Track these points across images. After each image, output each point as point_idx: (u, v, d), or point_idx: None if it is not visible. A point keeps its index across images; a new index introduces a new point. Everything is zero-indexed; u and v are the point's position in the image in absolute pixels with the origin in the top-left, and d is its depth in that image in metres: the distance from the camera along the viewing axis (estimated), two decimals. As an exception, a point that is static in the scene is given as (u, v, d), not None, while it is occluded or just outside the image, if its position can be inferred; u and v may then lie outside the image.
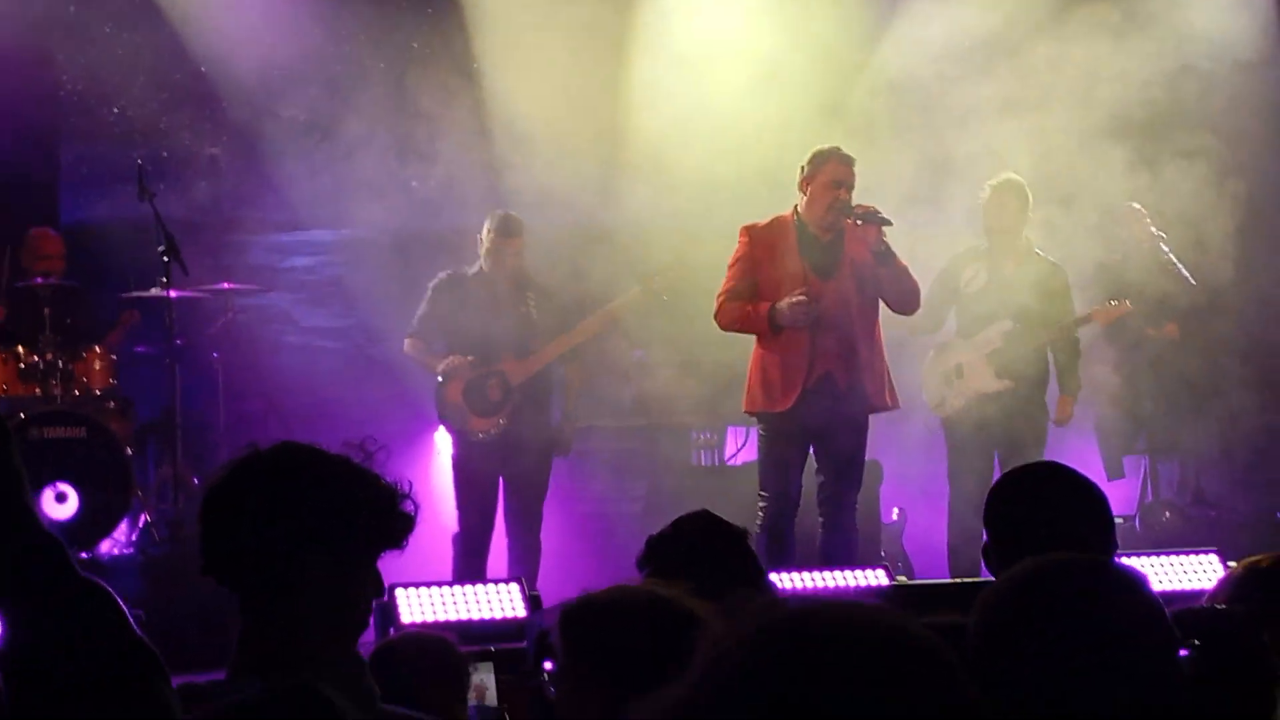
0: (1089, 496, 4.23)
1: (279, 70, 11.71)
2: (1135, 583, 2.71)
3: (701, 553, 4.57)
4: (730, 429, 12.02)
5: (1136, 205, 11.04)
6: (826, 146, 9.07)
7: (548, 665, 3.99)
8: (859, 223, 8.84)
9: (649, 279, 10.12)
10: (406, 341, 10.00)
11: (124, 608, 2.46)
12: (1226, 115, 11.67)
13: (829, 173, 8.95)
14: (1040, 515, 4.11)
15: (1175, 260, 10.82)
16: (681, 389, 11.79)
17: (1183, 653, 2.74)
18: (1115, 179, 10.99)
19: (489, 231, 9.86)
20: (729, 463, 12.16)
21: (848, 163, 8.97)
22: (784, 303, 8.86)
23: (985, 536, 4.25)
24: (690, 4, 12.20)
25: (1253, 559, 4.08)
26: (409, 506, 3.20)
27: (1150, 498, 11.84)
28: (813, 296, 8.88)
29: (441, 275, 10.01)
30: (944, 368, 10.00)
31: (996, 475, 9.52)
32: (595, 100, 11.84)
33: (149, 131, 12.00)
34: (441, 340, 9.92)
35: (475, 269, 9.93)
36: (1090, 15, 11.44)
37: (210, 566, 3.17)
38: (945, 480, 10.10)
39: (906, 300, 9.12)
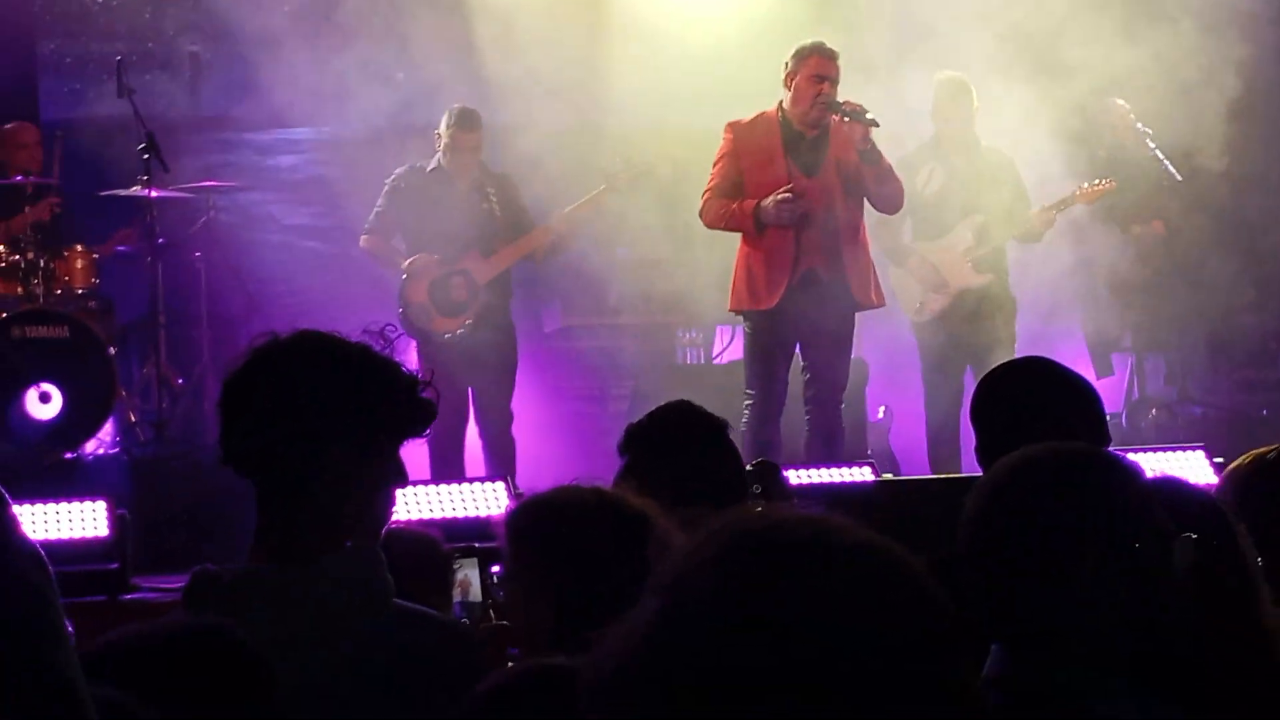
0: (1078, 390, 4.20)
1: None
2: (1129, 471, 2.69)
3: (680, 442, 4.56)
4: (718, 327, 11.99)
5: (1120, 101, 10.99)
6: (809, 41, 9.00)
7: (494, 569, 3.99)
8: (845, 119, 8.78)
9: (614, 176, 10.03)
10: (363, 239, 9.89)
11: None
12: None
13: (812, 67, 8.89)
14: (1029, 409, 4.05)
15: (1160, 155, 10.79)
16: (668, 286, 11.75)
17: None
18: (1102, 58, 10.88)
19: (447, 126, 9.76)
20: (715, 361, 12.14)
21: (831, 57, 8.91)
22: (769, 200, 8.82)
23: (975, 434, 4.21)
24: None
25: (1259, 451, 4.00)
26: (430, 394, 3.16)
27: (1137, 395, 11.85)
28: (797, 194, 8.84)
29: (399, 170, 9.90)
30: (919, 270, 9.94)
31: (968, 378, 9.64)
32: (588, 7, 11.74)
33: (129, 27, 11.88)
34: (401, 239, 9.84)
35: (433, 165, 9.82)
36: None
37: (229, 457, 3.13)
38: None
39: (890, 199, 9.08)
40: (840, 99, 8.85)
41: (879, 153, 8.84)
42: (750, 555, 1.57)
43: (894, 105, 9.82)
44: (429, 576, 4.40)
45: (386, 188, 9.87)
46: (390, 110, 11.47)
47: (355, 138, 11.92)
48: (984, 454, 4.10)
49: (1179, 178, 10.75)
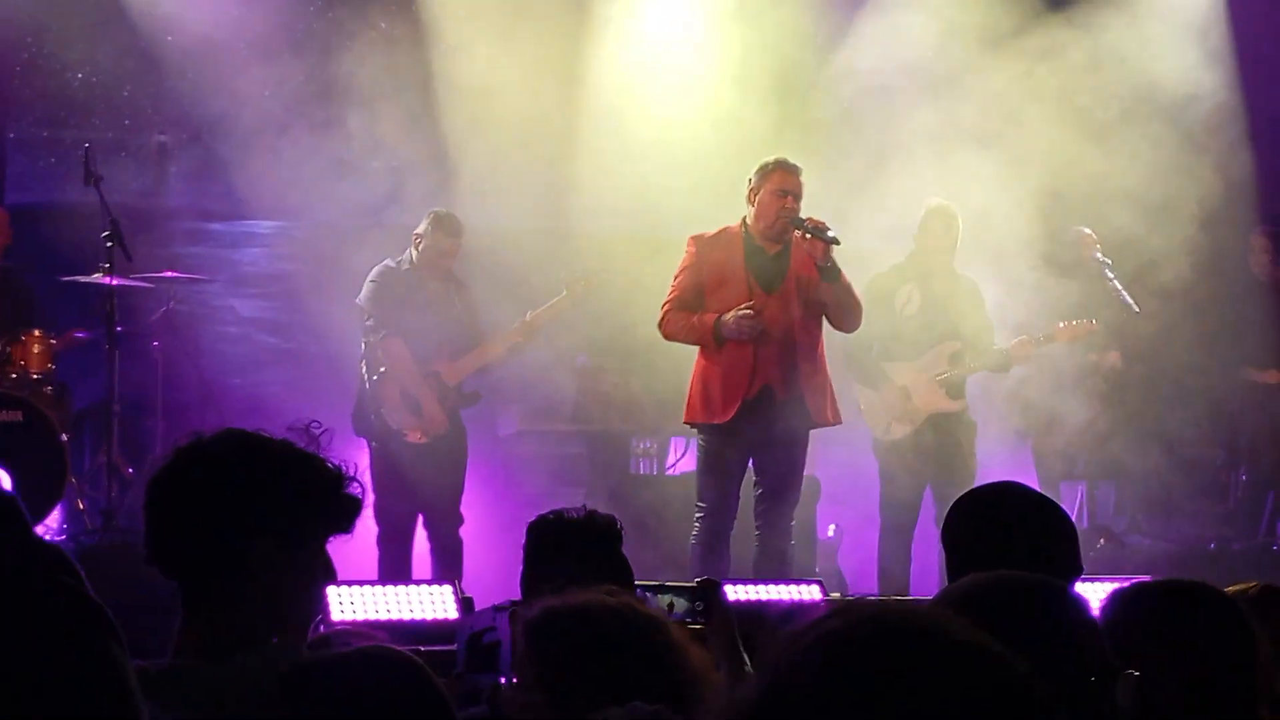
0: (1052, 515, 4.17)
1: (231, 59, 11.62)
2: (1074, 604, 2.69)
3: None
4: (672, 439, 11.99)
5: (1086, 230, 11.12)
6: (772, 158, 9.07)
7: (502, 680, 3.97)
8: (807, 236, 8.83)
9: (573, 283, 10.07)
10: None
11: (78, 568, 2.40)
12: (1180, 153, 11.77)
13: (776, 181, 8.95)
14: (1004, 533, 4.02)
15: (1120, 287, 10.87)
16: (624, 396, 11.76)
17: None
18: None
19: (432, 229, 9.79)
20: (669, 472, 12.14)
21: (794, 172, 8.98)
22: (730, 315, 8.84)
23: (947, 556, 4.16)
24: (651, 7, 12.21)
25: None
26: (355, 489, 3.15)
27: (1086, 523, 11.87)
28: (757, 310, 8.87)
29: (384, 265, 9.89)
30: (888, 393, 9.98)
31: (927, 499, 9.69)
32: (551, 100, 11.81)
33: (97, 115, 11.91)
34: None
35: (406, 264, 9.85)
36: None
37: (155, 556, 3.12)
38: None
39: (849, 317, 9.12)
40: (804, 215, 8.90)
41: (838, 270, 8.88)
42: (863, 639, 1.59)
43: (864, 219, 9.96)
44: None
45: (374, 285, 9.79)
46: (354, 206, 11.52)
47: (318, 233, 11.95)
48: (955, 576, 4.01)
49: (1136, 309, 10.82)
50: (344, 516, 3.15)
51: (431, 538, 9.78)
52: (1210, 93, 12.17)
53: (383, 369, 9.69)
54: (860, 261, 9.72)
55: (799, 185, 8.97)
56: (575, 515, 4.78)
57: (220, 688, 3.01)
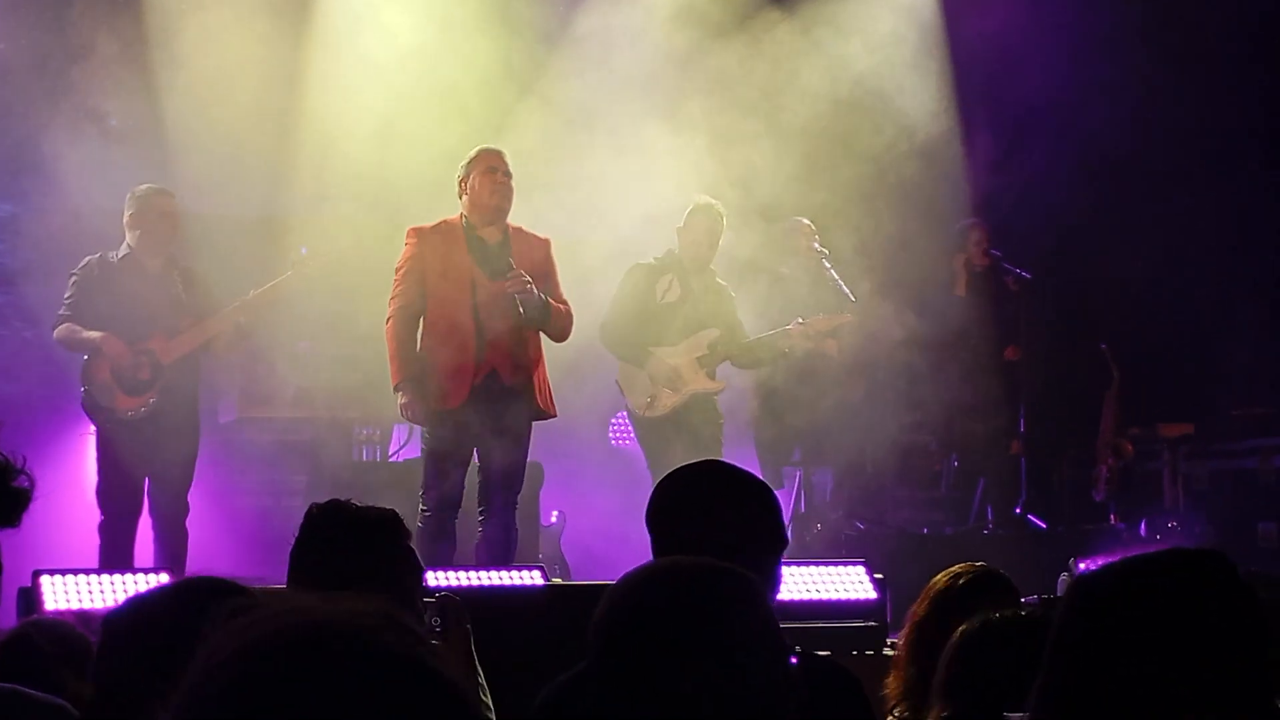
0: (756, 492, 4.06)
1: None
2: (747, 589, 2.70)
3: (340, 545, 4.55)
4: (395, 425, 11.95)
5: (805, 220, 11.33)
6: (473, 149, 9.23)
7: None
8: (517, 296, 8.95)
9: (299, 262, 10.00)
10: (56, 330, 9.68)
11: None
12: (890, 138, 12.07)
13: (483, 162, 9.14)
14: (701, 510, 3.92)
15: (836, 276, 11.09)
16: (347, 382, 11.70)
17: (793, 660, 2.78)
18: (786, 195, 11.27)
19: (134, 198, 9.68)
20: (392, 459, 12.10)
21: (496, 153, 9.22)
22: (401, 399, 9.02)
23: (651, 538, 3.99)
24: (372, 12, 12.16)
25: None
26: (23, 482, 3.09)
27: (804, 508, 12.09)
28: (465, 295, 9.00)
29: (87, 259, 9.74)
30: (656, 369, 10.16)
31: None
32: (270, 91, 11.69)
33: None
34: (93, 324, 9.66)
35: (123, 252, 9.71)
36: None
37: None
38: (605, 486, 10.23)
39: (556, 334, 9.31)
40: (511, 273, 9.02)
41: (539, 311, 9.04)
42: (261, 659, 1.55)
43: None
44: (74, 663, 4.30)
45: (74, 278, 9.68)
46: (72, 193, 11.26)
47: (36, 219, 11.67)
48: (659, 555, 3.86)
49: (853, 299, 11.03)
50: (10, 510, 3.07)
51: (155, 523, 9.61)
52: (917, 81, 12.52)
53: (86, 356, 9.55)
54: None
55: (504, 162, 9.17)
56: (356, 505, 4.68)
57: None
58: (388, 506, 4.76)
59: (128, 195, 9.75)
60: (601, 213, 11.07)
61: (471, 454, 9.16)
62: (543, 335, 9.22)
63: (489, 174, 9.08)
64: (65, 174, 11.14)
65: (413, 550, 4.74)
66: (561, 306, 9.22)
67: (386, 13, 12.03)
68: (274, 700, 1.51)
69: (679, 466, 4.32)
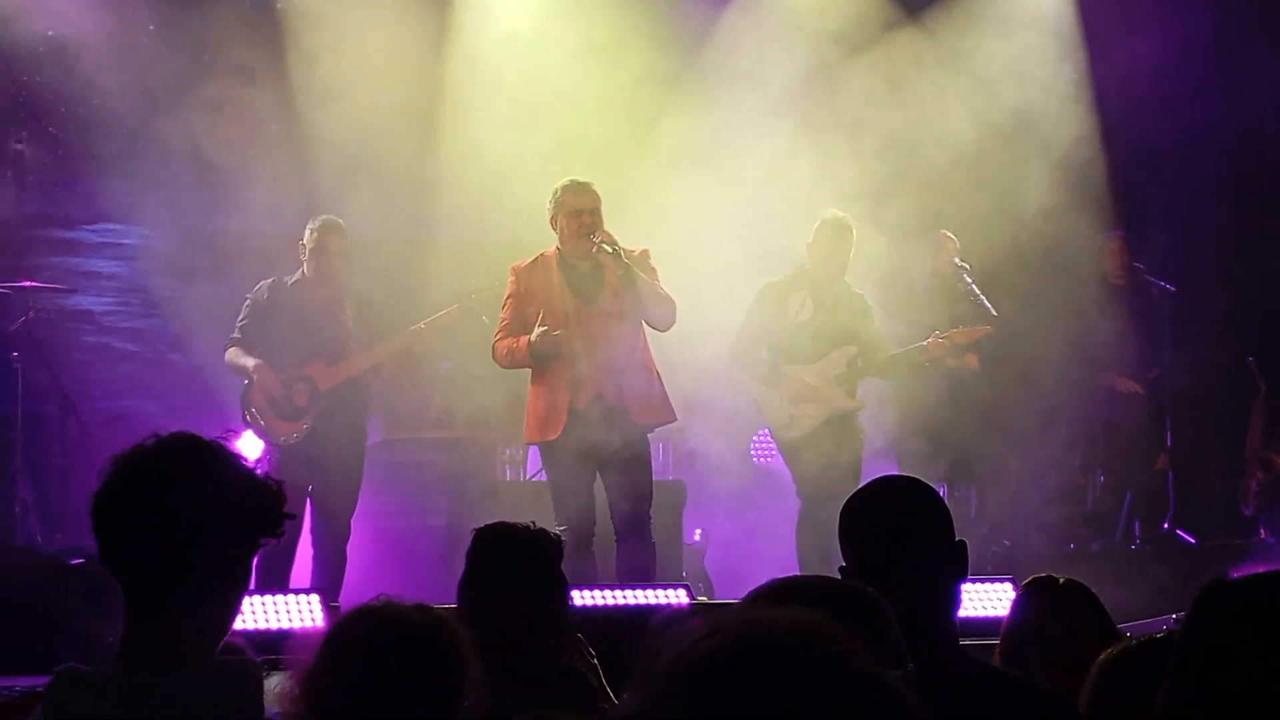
0: (932, 512, 3.99)
1: (92, 67, 11.49)
2: (873, 605, 2.68)
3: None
4: (532, 446, 11.99)
5: (948, 233, 11.27)
6: (561, 182, 9.32)
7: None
8: (608, 250, 9.04)
9: (468, 296, 10.12)
10: (229, 350, 9.88)
11: None
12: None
13: (568, 204, 9.23)
14: (883, 531, 3.91)
15: (977, 290, 10.99)
16: (487, 402, 11.75)
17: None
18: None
19: (312, 232, 9.83)
20: (533, 478, 12.13)
21: (582, 191, 9.27)
22: (534, 335, 9.03)
23: (843, 552, 3.98)
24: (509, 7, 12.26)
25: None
26: (285, 498, 3.16)
27: (949, 525, 11.96)
28: (561, 324, 9.09)
29: (262, 283, 9.95)
30: (792, 389, 10.15)
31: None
32: (418, 120, 11.82)
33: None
34: (259, 347, 9.81)
35: (296, 277, 9.88)
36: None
37: (105, 559, 3.08)
38: (749, 504, 10.21)
39: (661, 319, 9.30)
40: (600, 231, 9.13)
41: (634, 277, 9.07)
42: (744, 662, 1.61)
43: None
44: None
45: (248, 301, 9.91)
46: (216, 218, 11.41)
47: (177, 242, 11.84)
48: (855, 566, 3.91)
49: (994, 313, 10.94)
50: (279, 524, 3.14)
51: (316, 545, 9.72)
52: (1061, 100, 12.42)
53: (246, 381, 9.72)
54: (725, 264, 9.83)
55: (592, 200, 9.25)
56: (521, 528, 4.83)
57: (165, 699, 3.00)
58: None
59: (310, 220, 9.90)
60: (736, 228, 11.08)
61: (592, 478, 9.20)
62: (650, 348, 9.25)
63: (573, 217, 9.19)
64: (202, 202, 11.32)
65: (562, 572, 4.82)
66: (659, 287, 9.24)
67: (517, 23, 12.16)
68: (753, 697, 1.58)
69: (877, 479, 4.21)
